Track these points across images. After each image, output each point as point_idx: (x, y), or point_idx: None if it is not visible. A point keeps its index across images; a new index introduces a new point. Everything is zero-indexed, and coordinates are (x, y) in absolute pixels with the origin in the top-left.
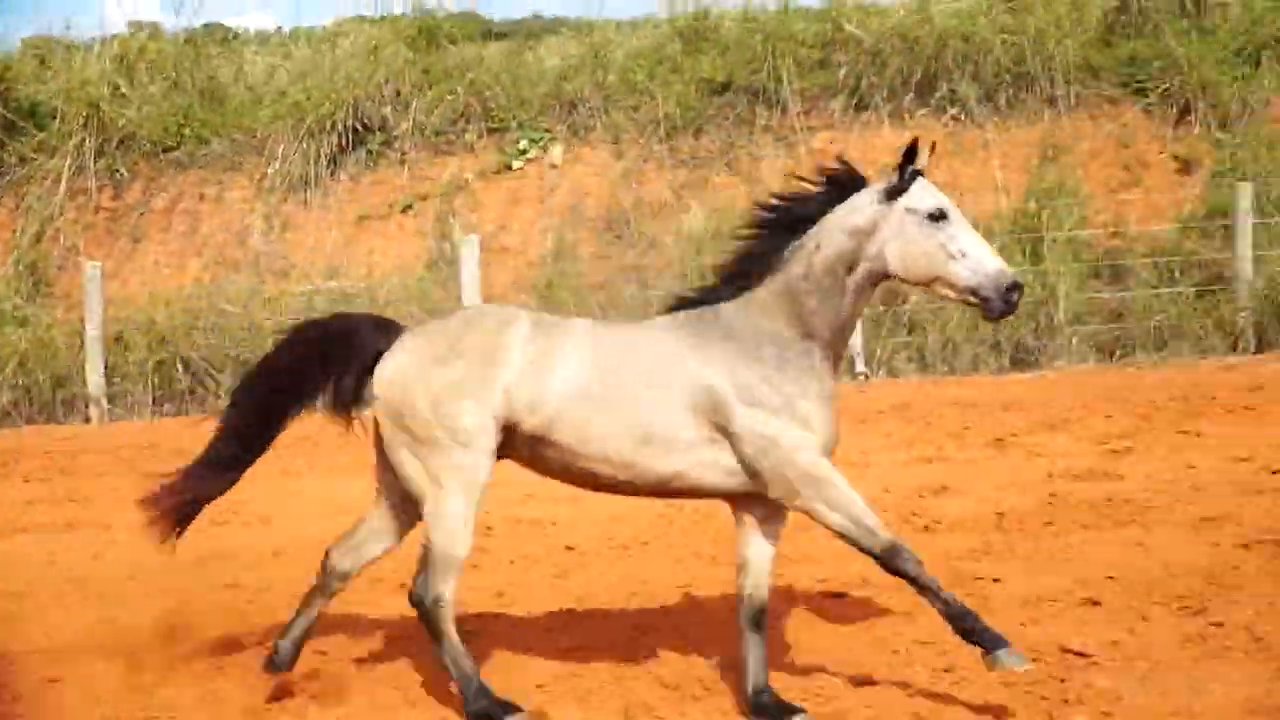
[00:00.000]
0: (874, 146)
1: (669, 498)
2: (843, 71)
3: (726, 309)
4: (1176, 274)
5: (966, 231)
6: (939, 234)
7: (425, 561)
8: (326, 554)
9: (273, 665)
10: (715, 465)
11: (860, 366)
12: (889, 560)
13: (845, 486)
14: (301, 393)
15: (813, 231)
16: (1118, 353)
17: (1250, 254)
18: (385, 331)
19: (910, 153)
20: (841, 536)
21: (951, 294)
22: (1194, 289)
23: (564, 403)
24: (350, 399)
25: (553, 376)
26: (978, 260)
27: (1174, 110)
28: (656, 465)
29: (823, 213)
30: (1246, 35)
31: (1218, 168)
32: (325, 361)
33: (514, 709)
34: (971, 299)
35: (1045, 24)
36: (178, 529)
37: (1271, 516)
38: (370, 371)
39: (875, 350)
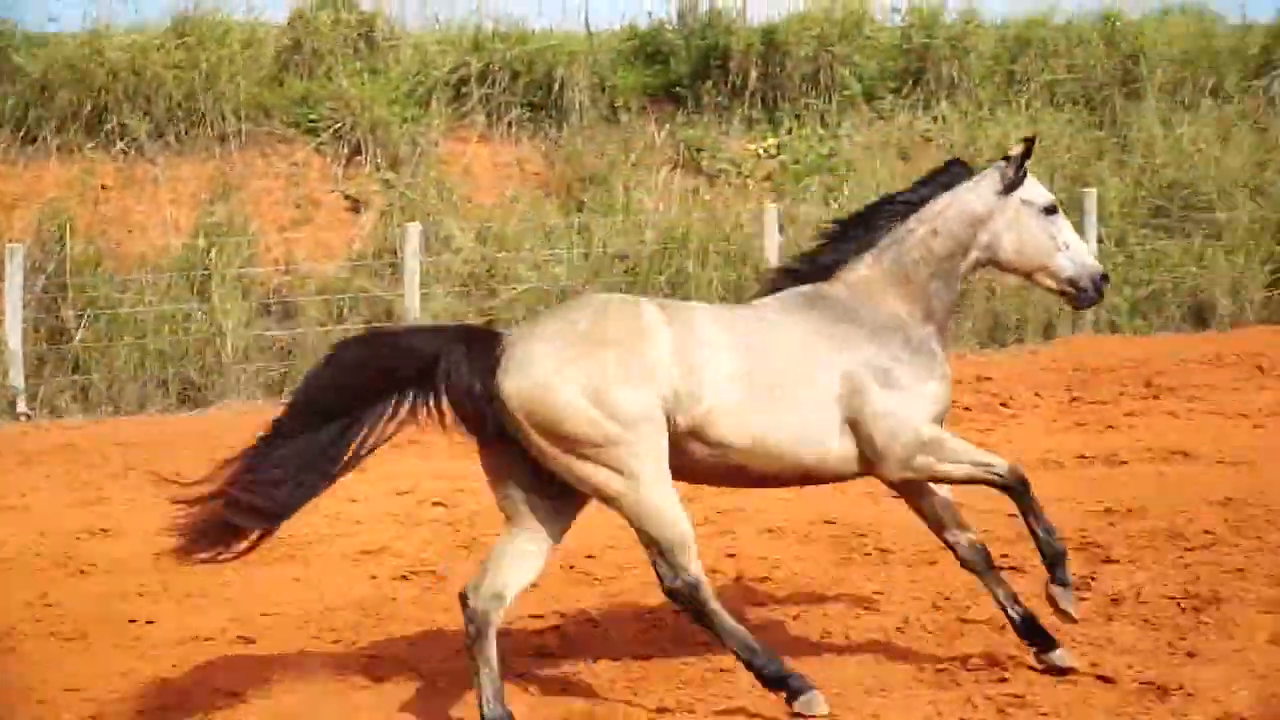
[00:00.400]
0: (41, 180)
1: (788, 487)
2: (10, 103)
3: (835, 290)
4: (345, 311)
5: (1069, 227)
6: (1051, 227)
7: (659, 555)
8: (465, 602)
9: None
10: (845, 453)
11: (22, 407)
12: (1014, 481)
13: (954, 439)
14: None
15: (925, 217)
16: (286, 389)
17: (418, 291)
18: (477, 343)
19: (1029, 149)
20: (969, 481)
21: (1052, 284)
22: (364, 325)
23: (721, 398)
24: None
25: (705, 368)
26: (1079, 253)
27: (345, 150)
28: (806, 459)
29: (928, 200)
30: (418, 77)
31: (387, 207)
32: (401, 383)
33: (808, 685)
34: (1069, 289)
35: (218, 61)
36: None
37: (429, 548)
38: (468, 390)
39: (39, 390)
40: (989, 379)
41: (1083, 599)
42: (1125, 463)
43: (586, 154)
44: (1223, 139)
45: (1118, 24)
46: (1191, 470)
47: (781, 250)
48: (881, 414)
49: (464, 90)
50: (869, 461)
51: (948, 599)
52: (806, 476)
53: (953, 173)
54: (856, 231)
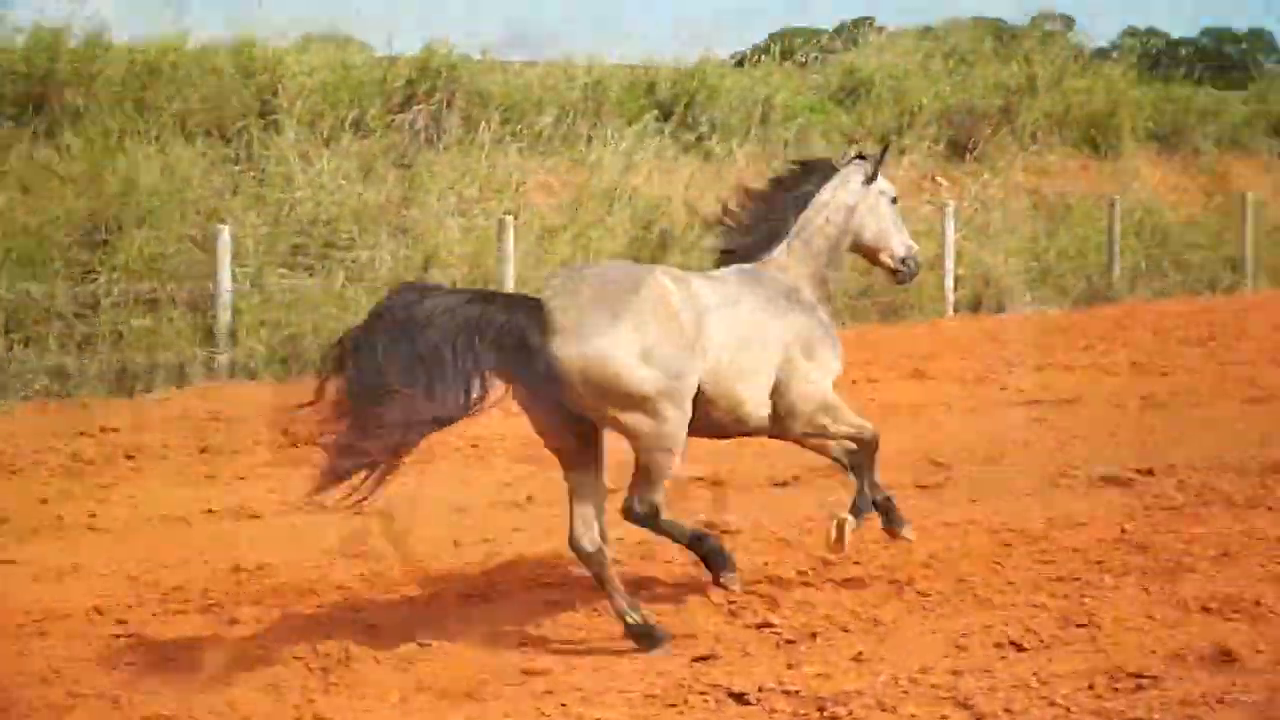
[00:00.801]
0: None
1: (730, 438)
2: None
3: (769, 269)
4: None
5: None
6: (895, 213)
7: (643, 481)
8: (576, 549)
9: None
10: (768, 410)
11: None
12: (873, 443)
13: (843, 404)
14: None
15: (818, 206)
16: None
17: None
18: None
19: (884, 150)
20: (850, 439)
21: (891, 262)
22: None
23: (715, 359)
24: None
25: (707, 333)
26: (907, 236)
27: None
28: (757, 413)
29: (815, 193)
30: None
31: None
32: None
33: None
34: (902, 267)
35: None
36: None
37: None
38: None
39: None
40: (114, 430)
41: None
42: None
43: None
44: (365, 174)
45: (254, 51)
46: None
47: None
48: (802, 380)
49: None
50: (778, 418)
51: None
52: (746, 429)
53: (825, 167)
54: (771, 217)
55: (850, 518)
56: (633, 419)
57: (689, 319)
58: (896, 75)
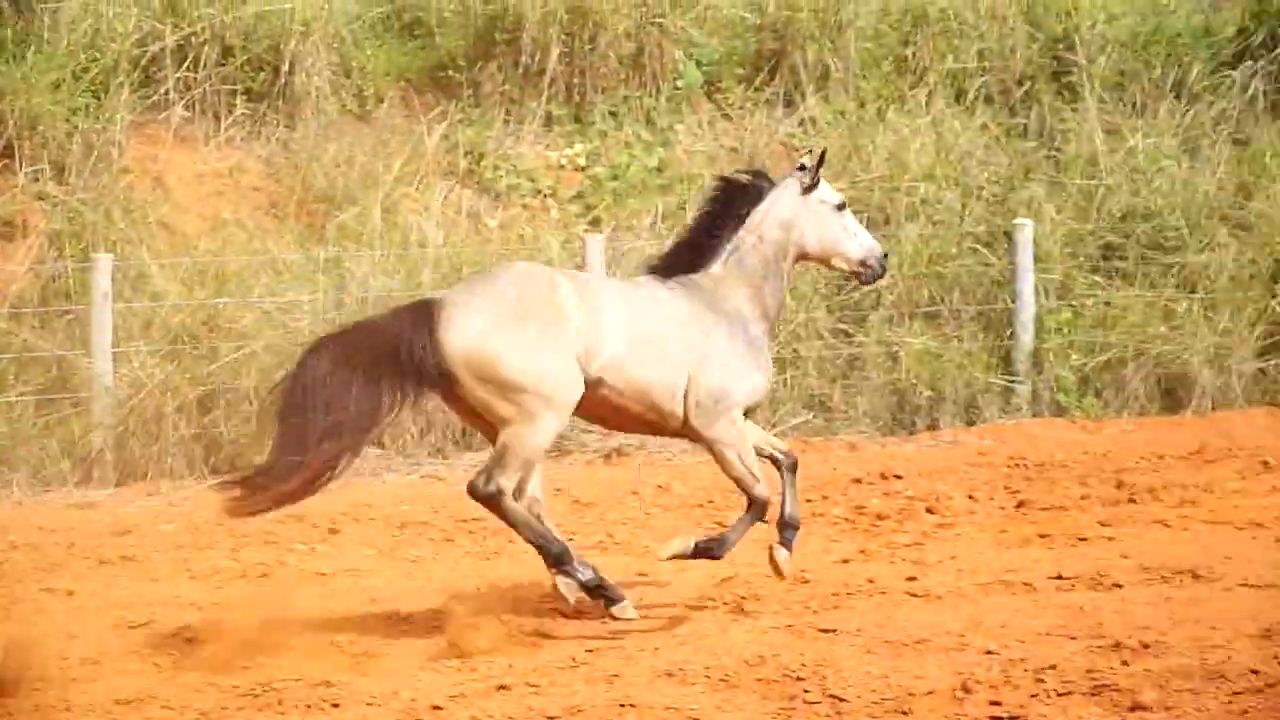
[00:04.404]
0: None
1: (639, 433)
2: None
3: (701, 281)
4: (12, 378)
5: (854, 219)
6: (842, 220)
7: (496, 464)
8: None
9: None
10: (679, 410)
11: None
12: (761, 508)
13: (748, 440)
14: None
15: (750, 227)
16: None
17: (109, 351)
18: (422, 314)
19: (821, 159)
20: (732, 477)
21: (845, 266)
22: (35, 397)
23: (616, 353)
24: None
25: (606, 329)
26: (864, 238)
27: None
28: (667, 409)
29: (752, 208)
30: (90, 52)
31: (51, 233)
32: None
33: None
34: (860, 268)
35: None
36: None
37: None
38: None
39: None
40: (898, 477)
41: None
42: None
43: (329, 162)
44: (1190, 153)
45: None
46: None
47: None
48: (715, 387)
49: (155, 71)
50: (687, 420)
51: None
52: (658, 422)
53: (758, 185)
54: (702, 240)
55: (675, 545)
56: (504, 408)
57: (581, 320)
58: None
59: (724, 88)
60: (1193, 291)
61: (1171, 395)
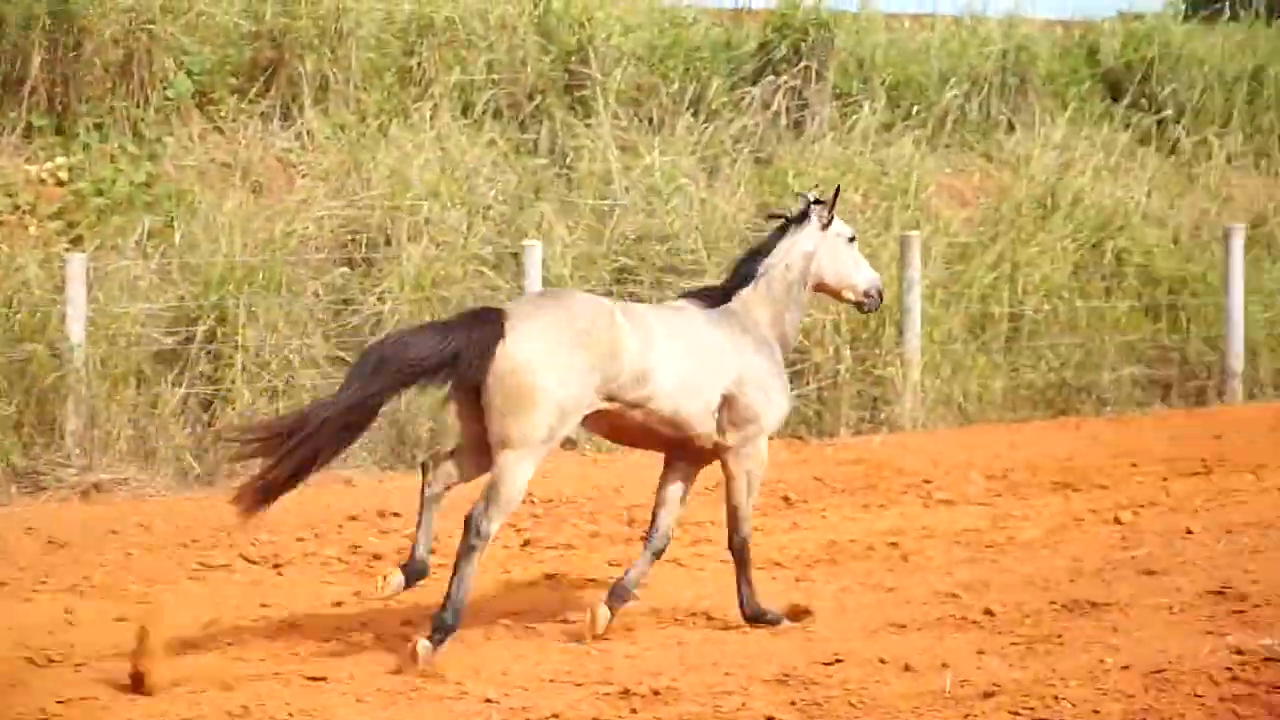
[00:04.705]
0: None
1: (661, 449)
2: None
3: (735, 307)
4: None
5: (858, 252)
6: (853, 253)
7: (488, 502)
8: (426, 465)
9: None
10: (712, 427)
11: None
12: (741, 546)
13: (761, 471)
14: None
15: (779, 253)
16: None
17: None
18: (484, 323)
19: (835, 195)
20: (730, 502)
21: (853, 296)
22: None
23: (663, 378)
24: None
25: (657, 356)
26: (869, 270)
27: None
28: (700, 430)
29: (779, 239)
30: None
31: None
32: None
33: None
34: (865, 299)
35: None
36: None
37: None
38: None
39: None
40: (396, 514)
41: None
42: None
43: None
44: (708, 172)
45: (553, 1)
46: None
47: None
48: (746, 407)
49: None
50: (718, 440)
51: None
52: (684, 443)
53: (789, 217)
54: (743, 268)
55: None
56: (511, 435)
57: (635, 349)
58: None
59: (216, 98)
60: None
61: None
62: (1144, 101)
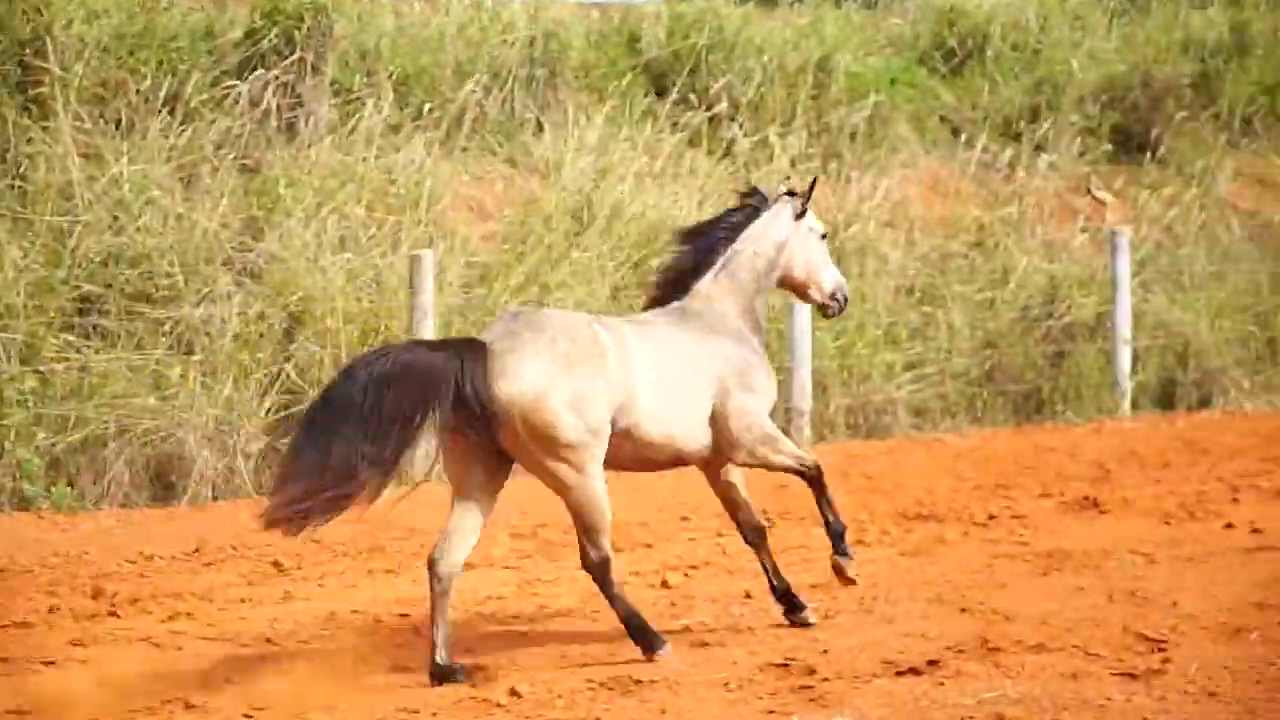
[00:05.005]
0: None
1: (668, 469)
2: None
3: (695, 305)
4: None
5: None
6: (824, 249)
7: (584, 534)
8: (433, 564)
9: (442, 676)
10: (708, 441)
11: None
12: (816, 474)
13: (782, 435)
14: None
15: (747, 239)
16: None
17: None
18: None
19: (812, 186)
20: (786, 470)
21: (819, 297)
22: None
23: (647, 401)
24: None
25: (638, 378)
26: (836, 271)
27: None
28: (690, 447)
29: (745, 226)
30: None
31: None
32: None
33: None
34: (831, 301)
35: None
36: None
37: None
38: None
39: None
40: None
41: None
42: None
43: None
44: (186, 182)
45: None
46: None
47: None
48: (738, 411)
49: None
50: (719, 450)
51: None
52: (683, 461)
53: (756, 199)
54: (698, 249)
55: (841, 559)
56: (559, 467)
57: (619, 369)
58: (1026, 29)
59: None
60: (189, 353)
61: (163, 481)
62: (693, 97)
